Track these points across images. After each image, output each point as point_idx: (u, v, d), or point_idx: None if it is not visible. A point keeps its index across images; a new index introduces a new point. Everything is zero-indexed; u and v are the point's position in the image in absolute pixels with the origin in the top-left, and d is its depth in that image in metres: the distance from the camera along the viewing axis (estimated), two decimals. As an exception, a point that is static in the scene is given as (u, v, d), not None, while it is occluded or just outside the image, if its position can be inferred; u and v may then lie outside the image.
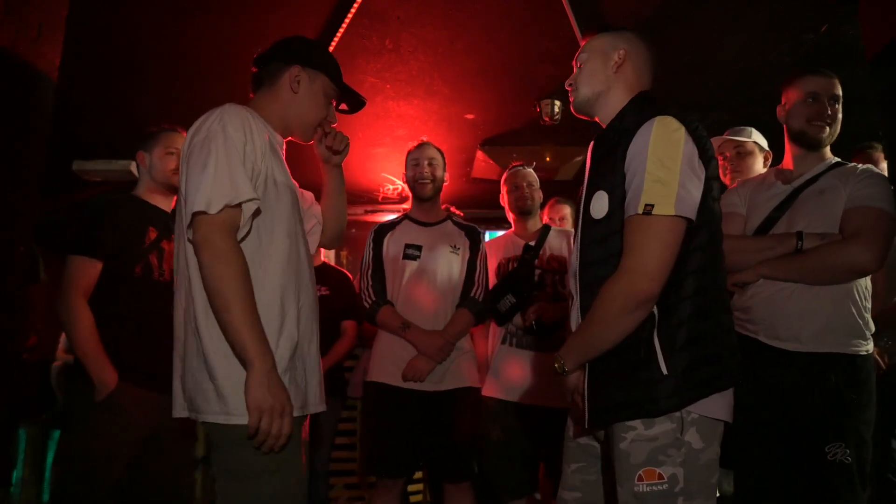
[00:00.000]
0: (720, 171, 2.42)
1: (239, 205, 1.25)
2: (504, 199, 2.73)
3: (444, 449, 2.32)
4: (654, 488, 1.23)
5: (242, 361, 1.23)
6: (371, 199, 5.21)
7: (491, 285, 2.56)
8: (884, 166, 2.38)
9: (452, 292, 2.41)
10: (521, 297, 2.46)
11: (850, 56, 2.74)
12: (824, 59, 2.95)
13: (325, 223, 1.70)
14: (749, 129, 2.41)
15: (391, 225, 2.55)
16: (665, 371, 1.23)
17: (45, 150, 2.00)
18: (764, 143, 2.41)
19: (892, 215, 1.73)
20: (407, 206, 2.61)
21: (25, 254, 1.89)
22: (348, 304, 3.08)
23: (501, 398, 2.49)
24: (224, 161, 1.25)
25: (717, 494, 2.05)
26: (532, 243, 2.59)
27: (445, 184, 2.55)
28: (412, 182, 2.51)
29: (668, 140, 1.25)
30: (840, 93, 1.87)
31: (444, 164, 2.55)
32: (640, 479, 1.24)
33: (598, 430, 1.41)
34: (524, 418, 2.44)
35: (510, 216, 2.74)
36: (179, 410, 1.34)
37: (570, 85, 1.50)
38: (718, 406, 1.27)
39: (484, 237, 2.61)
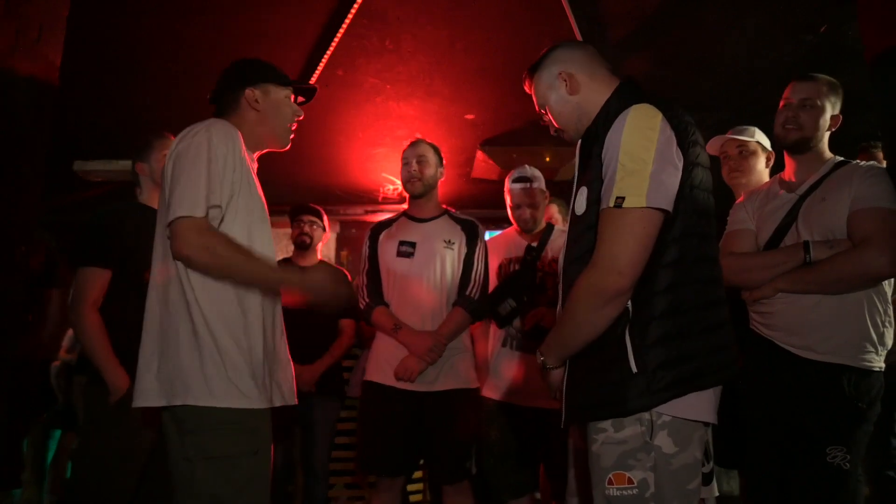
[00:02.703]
0: (723, 169, 2.43)
1: (206, 210, 1.38)
2: (507, 201, 2.70)
3: (439, 451, 2.31)
4: (625, 493, 1.20)
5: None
6: (371, 199, 5.21)
7: (492, 286, 2.55)
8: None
9: (447, 288, 2.39)
10: (522, 301, 2.45)
11: (850, 56, 2.74)
12: (824, 59, 2.95)
13: None
14: (753, 128, 2.40)
15: (388, 223, 2.55)
16: (635, 369, 1.19)
17: (45, 150, 2.00)
18: (767, 143, 2.40)
19: None
20: (406, 206, 2.61)
21: (27, 254, 1.89)
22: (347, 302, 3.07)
23: (501, 399, 2.48)
24: (204, 171, 1.38)
25: (717, 493, 2.06)
26: (534, 244, 2.58)
27: (441, 179, 2.53)
28: (403, 181, 2.51)
29: (642, 129, 1.21)
30: (816, 95, 1.86)
31: (439, 160, 2.52)
32: (611, 482, 1.22)
33: (577, 427, 1.42)
34: (524, 419, 2.44)
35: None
36: (144, 400, 1.39)
37: (556, 131, 1.48)
38: (695, 407, 1.22)
39: (482, 234, 2.60)
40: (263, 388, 1.41)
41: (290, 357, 1.58)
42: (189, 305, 1.38)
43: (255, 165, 1.61)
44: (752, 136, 2.38)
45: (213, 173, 1.38)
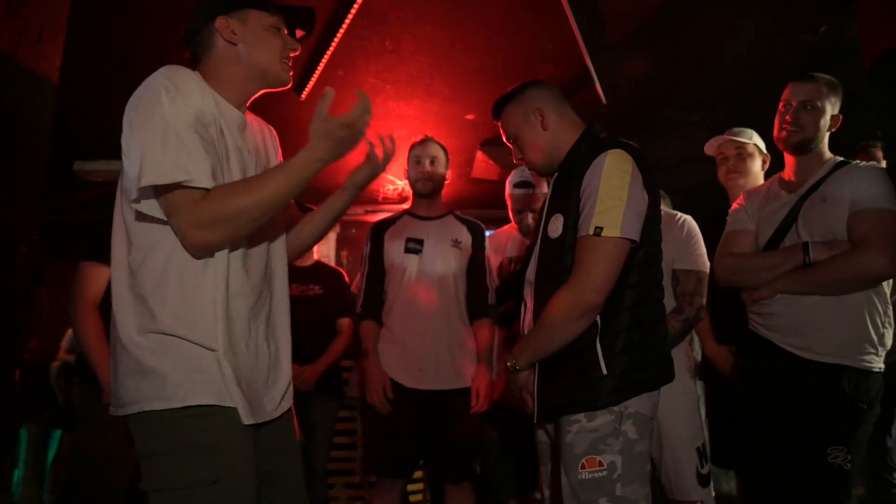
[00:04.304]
0: (719, 170, 2.45)
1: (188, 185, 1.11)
2: (509, 205, 2.70)
3: (444, 450, 2.32)
4: (595, 475, 1.38)
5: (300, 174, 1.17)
6: (371, 199, 5.22)
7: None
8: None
9: (455, 286, 2.40)
10: (523, 302, 2.46)
11: (850, 56, 2.74)
12: (823, 59, 2.95)
13: (303, 234, 1.50)
14: (749, 130, 2.41)
15: (391, 221, 2.52)
16: (605, 372, 1.40)
17: (46, 150, 2.00)
18: (763, 145, 2.41)
19: None
20: (407, 205, 2.60)
21: (27, 254, 1.90)
22: (342, 302, 3.07)
23: (501, 400, 2.49)
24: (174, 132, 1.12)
25: (713, 494, 2.07)
26: None
27: (447, 182, 2.54)
28: (413, 180, 2.49)
29: (619, 171, 1.42)
30: (816, 96, 1.86)
31: (447, 160, 2.53)
32: (583, 466, 1.39)
33: (546, 425, 1.57)
34: (524, 419, 2.44)
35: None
36: (112, 410, 1.19)
37: (520, 160, 1.64)
38: (648, 404, 1.44)
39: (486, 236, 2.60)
40: (235, 392, 1.16)
41: (285, 361, 1.34)
42: (141, 302, 1.15)
43: (253, 126, 1.34)
44: (750, 139, 2.39)
45: (179, 136, 1.11)
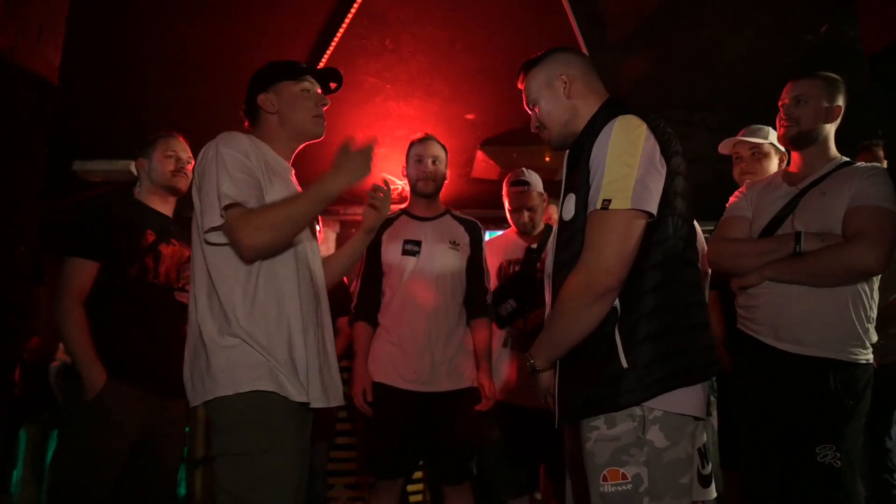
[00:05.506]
0: (734, 170, 2.43)
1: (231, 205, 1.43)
2: (506, 205, 2.70)
3: (442, 451, 2.31)
4: (619, 488, 1.23)
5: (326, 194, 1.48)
6: (371, 199, 5.22)
7: (493, 287, 2.55)
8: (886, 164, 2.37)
9: (452, 288, 2.38)
10: (523, 302, 2.46)
11: (850, 56, 2.74)
12: (824, 59, 2.95)
13: (328, 271, 1.83)
14: (766, 129, 2.37)
15: (388, 221, 2.48)
16: (625, 365, 1.23)
17: (45, 150, 2.00)
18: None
19: (894, 214, 1.70)
20: (405, 205, 2.59)
21: (26, 254, 1.89)
22: (342, 301, 3.07)
23: (502, 399, 2.48)
24: (217, 173, 1.44)
25: (715, 495, 2.06)
26: (534, 245, 2.59)
27: (446, 181, 2.52)
28: (414, 179, 2.45)
29: (628, 137, 1.27)
30: (809, 90, 1.86)
31: (447, 159, 2.51)
32: (605, 479, 1.24)
33: (568, 427, 1.45)
34: (524, 419, 2.44)
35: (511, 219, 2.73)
36: (193, 400, 1.48)
37: (538, 128, 1.52)
38: (684, 401, 1.26)
39: (484, 236, 2.60)
40: (293, 382, 1.45)
41: (335, 358, 1.65)
42: (221, 312, 1.44)
43: (293, 171, 1.64)
44: (766, 138, 2.36)
45: (230, 175, 1.43)
